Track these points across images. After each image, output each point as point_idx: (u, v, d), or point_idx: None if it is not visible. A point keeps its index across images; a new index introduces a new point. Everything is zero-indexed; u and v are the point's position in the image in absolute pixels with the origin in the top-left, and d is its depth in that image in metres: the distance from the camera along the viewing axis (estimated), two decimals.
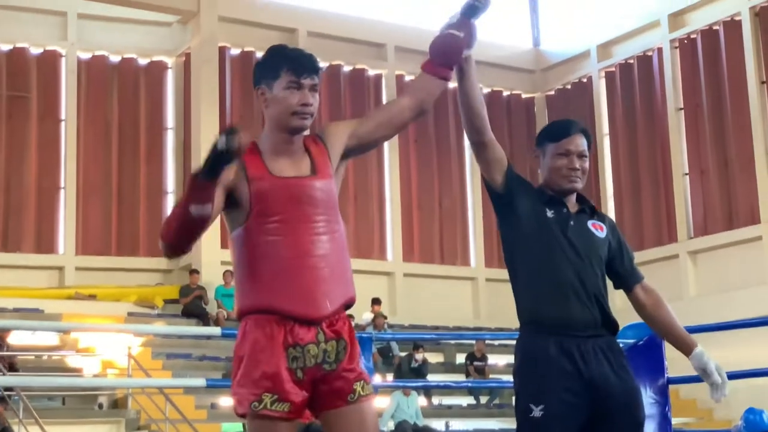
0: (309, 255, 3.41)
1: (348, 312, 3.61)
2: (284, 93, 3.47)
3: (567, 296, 3.80)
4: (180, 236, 3.33)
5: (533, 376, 3.79)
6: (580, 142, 3.98)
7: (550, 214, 3.89)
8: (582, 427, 3.73)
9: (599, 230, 3.95)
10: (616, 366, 3.81)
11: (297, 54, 3.55)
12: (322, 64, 21.27)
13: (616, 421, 3.76)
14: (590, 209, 4.02)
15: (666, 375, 6.65)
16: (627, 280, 4.10)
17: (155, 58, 20.74)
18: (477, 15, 3.64)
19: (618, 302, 18.46)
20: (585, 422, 3.73)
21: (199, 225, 3.29)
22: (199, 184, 3.20)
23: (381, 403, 14.83)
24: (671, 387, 6.72)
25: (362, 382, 3.43)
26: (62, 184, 19.57)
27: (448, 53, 3.69)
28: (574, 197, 4.01)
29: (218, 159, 3.16)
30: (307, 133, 3.55)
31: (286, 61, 3.52)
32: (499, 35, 23.61)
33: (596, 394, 3.73)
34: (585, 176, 4.02)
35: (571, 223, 3.91)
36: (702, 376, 3.90)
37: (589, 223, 3.97)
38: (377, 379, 10.05)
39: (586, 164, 4.02)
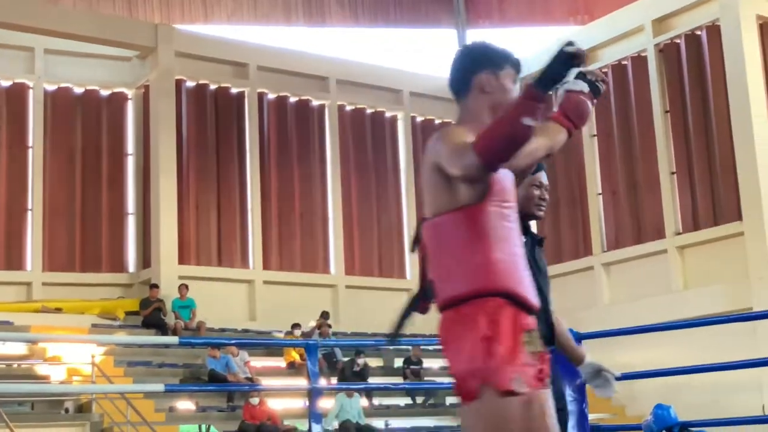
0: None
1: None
2: (510, 85, 3.28)
3: (537, 316, 3.85)
4: (504, 149, 2.89)
5: None
6: (546, 176, 4.09)
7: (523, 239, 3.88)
8: None
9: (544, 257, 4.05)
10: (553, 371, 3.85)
11: (516, 57, 3.37)
12: (271, 96, 21.43)
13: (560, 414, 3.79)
14: (540, 241, 4.10)
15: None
16: None
17: (116, 90, 20.59)
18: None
19: None
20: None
21: (525, 140, 2.90)
22: (535, 94, 2.86)
23: (326, 404, 14.80)
24: (587, 386, 6.79)
25: None
26: (29, 206, 19.32)
27: (583, 117, 3.49)
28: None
29: (563, 64, 2.89)
30: None
31: (510, 60, 3.33)
32: (432, 68, 23.81)
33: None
34: None
35: (537, 248, 4.01)
36: (593, 378, 3.98)
37: (541, 252, 4.10)
38: (322, 382, 10.04)
39: None
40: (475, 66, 3.31)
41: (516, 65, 3.34)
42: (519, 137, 2.87)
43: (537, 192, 4.03)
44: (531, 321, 3.08)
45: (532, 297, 3.10)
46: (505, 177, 3.14)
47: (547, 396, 3.10)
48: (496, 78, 3.28)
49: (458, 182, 3.06)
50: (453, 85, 3.40)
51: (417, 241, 3.27)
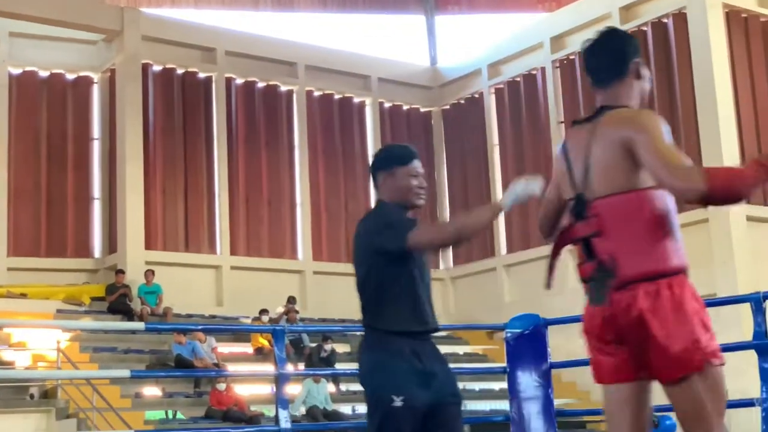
0: None
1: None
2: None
3: (423, 310, 4.01)
4: (728, 198, 3.17)
5: (395, 372, 3.94)
6: (420, 164, 4.20)
7: None
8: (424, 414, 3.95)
9: None
10: (441, 361, 4.07)
11: None
12: (238, 81, 21.31)
13: (449, 404, 4.00)
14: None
15: (549, 360, 6.76)
16: None
17: (82, 74, 20.40)
18: None
19: (506, 296, 18.76)
20: (428, 409, 3.94)
21: (740, 201, 3.22)
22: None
23: (293, 390, 14.80)
24: (553, 371, 6.83)
25: None
26: None
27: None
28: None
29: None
30: None
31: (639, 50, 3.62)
32: (399, 54, 23.81)
33: (429, 383, 3.95)
34: None
35: None
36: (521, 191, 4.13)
37: None
38: (289, 368, 10.03)
39: None
40: (633, 51, 3.53)
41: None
42: (741, 196, 3.16)
43: (415, 182, 4.14)
44: None
45: None
46: None
47: None
48: (644, 66, 3.52)
49: (648, 174, 3.24)
50: (607, 67, 3.52)
51: (583, 215, 3.39)
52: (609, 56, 3.53)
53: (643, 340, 3.24)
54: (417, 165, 4.18)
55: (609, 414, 3.46)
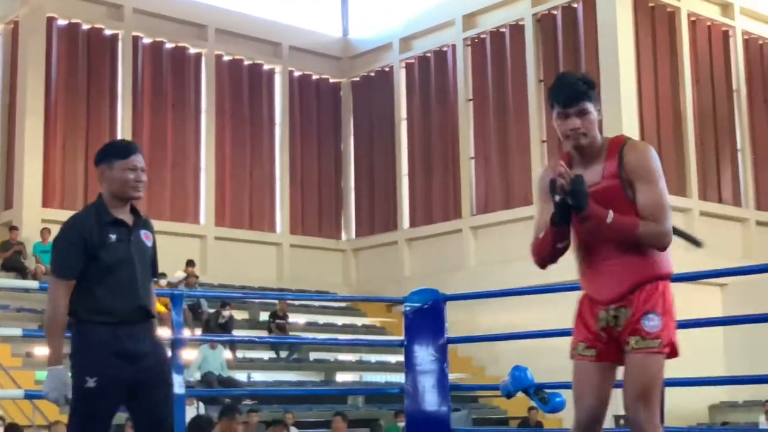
0: None
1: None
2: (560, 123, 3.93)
3: (124, 295, 4.19)
4: (549, 261, 4.06)
5: (90, 354, 4.15)
6: (140, 159, 4.31)
7: (113, 239, 4.21)
8: (127, 393, 4.15)
9: (147, 239, 4.35)
10: (151, 343, 4.24)
11: (559, 89, 3.96)
12: (146, 41, 20.87)
13: (154, 385, 4.20)
14: (143, 221, 4.36)
15: (446, 335, 6.81)
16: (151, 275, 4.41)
17: None
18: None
19: (406, 270, 18.86)
20: (129, 389, 4.14)
21: (562, 252, 3.98)
22: (557, 230, 3.85)
23: (189, 355, 14.67)
24: (450, 346, 6.89)
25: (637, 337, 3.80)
26: None
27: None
28: (128, 208, 4.32)
29: (562, 209, 3.78)
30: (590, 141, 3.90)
31: (553, 95, 3.97)
32: (311, 23, 23.63)
33: (136, 363, 4.15)
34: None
35: (132, 238, 4.26)
36: None
37: (142, 233, 4.34)
38: (186, 333, 9.89)
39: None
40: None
41: (557, 100, 4.01)
42: (557, 254, 4.08)
43: (132, 175, 4.25)
44: None
45: None
46: None
47: None
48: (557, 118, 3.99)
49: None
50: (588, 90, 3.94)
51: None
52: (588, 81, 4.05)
53: None
54: (136, 159, 4.28)
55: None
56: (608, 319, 3.87)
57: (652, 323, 3.77)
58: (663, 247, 3.83)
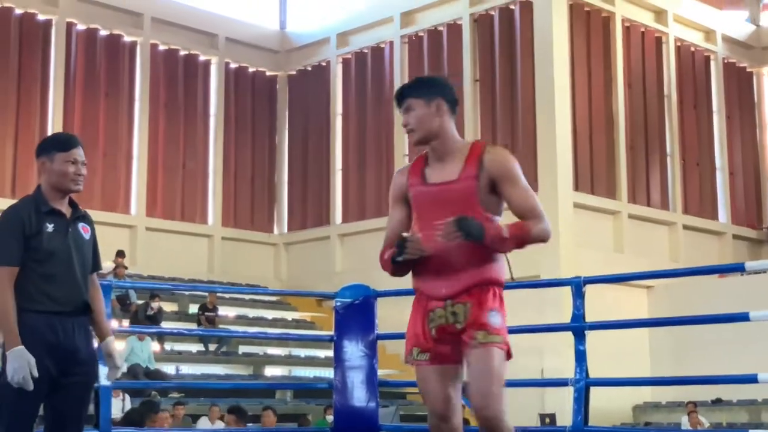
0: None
1: None
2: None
3: (61, 285, 4.17)
4: (396, 274, 4.11)
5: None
6: (81, 152, 4.38)
7: (50, 228, 4.18)
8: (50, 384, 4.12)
9: (86, 232, 4.37)
10: (85, 337, 4.25)
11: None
12: (80, 27, 20.56)
13: (79, 382, 4.19)
14: (81, 215, 4.38)
15: (376, 332, 6.82)
16: (92, 269, 4.39)
17: None
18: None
19: (338, 265, 18.82)
20: (53, 379, 4.11)
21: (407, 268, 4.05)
22: (395, 268, 4.07)
23: (117, 347, 14.48)
24: (379, 342, 6.90)
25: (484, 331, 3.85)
26: None
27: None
28: (67, 201, 4.33)
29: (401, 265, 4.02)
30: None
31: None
32: (248, 15, 23.48)
33: (67, 357, 4.14)
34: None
35: (69, 230, 4.25)
36: (107, 359, 4.39)
37: (80, 226, 4.35)
38: (114, 324, 9.75)
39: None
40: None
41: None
42: (401, 270, 4.13)
43: (72, 168, 4.30)
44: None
45: None
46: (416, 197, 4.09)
47: None
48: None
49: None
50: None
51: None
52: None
53: None
54: (77, 152, 4.34)
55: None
56: (446, 316, 3.92)
57: (495, 320, 3.85)
58: (547, 240, 4.01)
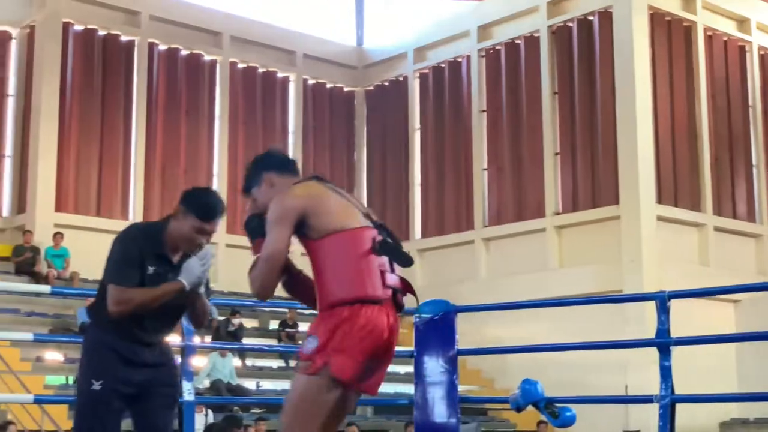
0: None
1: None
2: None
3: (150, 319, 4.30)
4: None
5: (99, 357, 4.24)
6: (217, 224, 4.51)
7: (150, 271, 4.28)
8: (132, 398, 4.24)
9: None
10: (162, 351, 4.40)
11: None
12: (162, 47, 20.91)
13: (160, 392, 4.32)
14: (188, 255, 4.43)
15: (456, 347, 6.80)
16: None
17: (0, 28, 19.86)
18: None
19: (417, 281, 18.90)
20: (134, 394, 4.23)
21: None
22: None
23: (199, 362, 14.68)
24: (459, 358, 6.88)
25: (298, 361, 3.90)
26: None
27: None
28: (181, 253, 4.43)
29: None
30: None
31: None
32: (326, 32, 23.68)
33: (147, 372, 4.27)
34: None
35: (168, 276, 4.33)
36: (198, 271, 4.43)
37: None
38: (196, 340, 9.91)
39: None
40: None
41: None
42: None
43: (201, 239, 4.45)
44: None
45: None
46: None
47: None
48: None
49: None
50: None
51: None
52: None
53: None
54: (213, 225, 4.50)
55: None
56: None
57: (307, 345, 3.83)
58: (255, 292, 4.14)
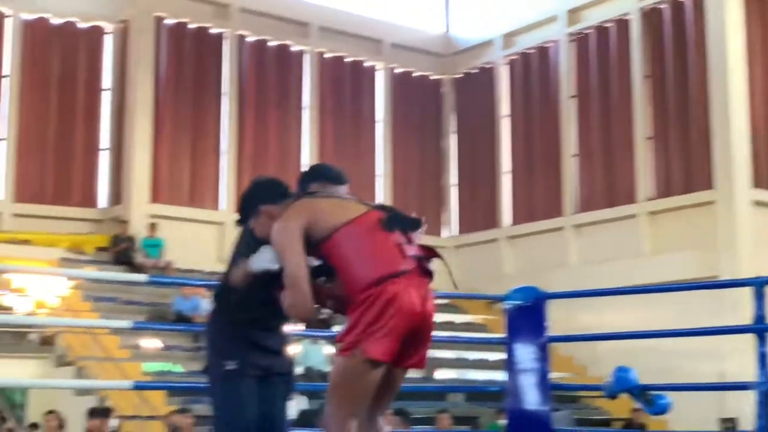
0: None
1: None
2: None
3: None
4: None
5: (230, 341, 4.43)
6: None
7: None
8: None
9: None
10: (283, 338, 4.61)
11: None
12: (250, 39, 21.16)
13: (279, 381, 4.51)
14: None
15: (547, 334, 6.77)
16: None
17: (95, 23, 20.31)
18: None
19: (507, 268, 18.76)
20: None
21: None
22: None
23: (292, 350, 14.83)
24: (551, 345, 6.85)
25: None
26: (4, 136, 19.14)
27: None
28: None
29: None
30: None
31: None
32: (413, 20, 23.66)
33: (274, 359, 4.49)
34: None
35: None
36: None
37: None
38: (289, 328, 10.09)
39: None
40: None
41: None
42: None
43: None
44: None
45: None
46: None
47: None
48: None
49: None
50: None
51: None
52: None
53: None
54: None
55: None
56: None
57: (342, 329, 4.03)
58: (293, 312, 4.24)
